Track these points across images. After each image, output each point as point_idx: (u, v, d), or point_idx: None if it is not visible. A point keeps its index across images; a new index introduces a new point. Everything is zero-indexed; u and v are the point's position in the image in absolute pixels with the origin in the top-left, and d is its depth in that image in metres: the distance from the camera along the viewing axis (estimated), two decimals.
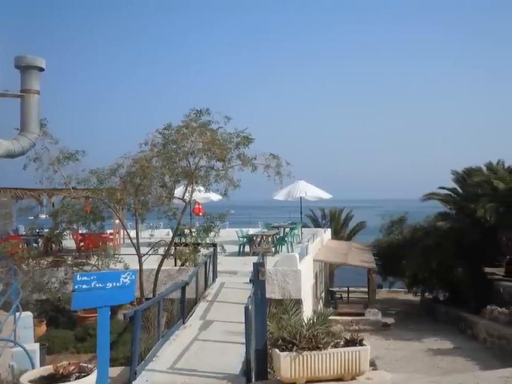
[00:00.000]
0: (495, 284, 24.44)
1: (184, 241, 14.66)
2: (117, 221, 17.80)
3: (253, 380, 7.33)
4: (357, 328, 19.57)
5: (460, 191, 30.38)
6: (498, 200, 24.54)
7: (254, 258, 14.57)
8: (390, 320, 22.16)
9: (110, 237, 18.91)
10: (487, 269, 26.87)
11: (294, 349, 6.66)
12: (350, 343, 7.05)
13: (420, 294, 30.85)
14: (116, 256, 13.12)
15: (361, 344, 7.01)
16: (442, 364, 13.97)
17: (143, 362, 7.87)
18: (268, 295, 8.13)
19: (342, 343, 7.04)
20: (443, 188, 31.32)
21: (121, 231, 20.02)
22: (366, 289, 25.80)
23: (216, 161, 12.83)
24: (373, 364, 12.22)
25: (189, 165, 12.80)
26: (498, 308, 18.14)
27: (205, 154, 12.54)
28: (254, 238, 19.59)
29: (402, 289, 34.21)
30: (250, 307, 7.54)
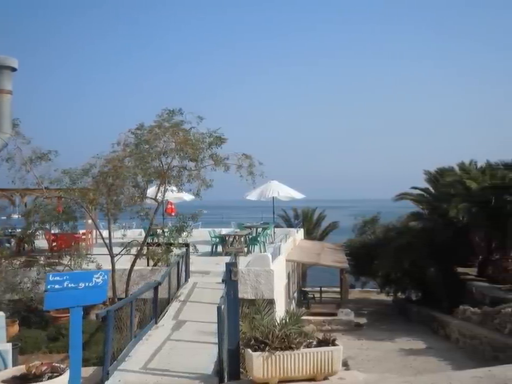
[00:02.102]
0: (468, 283, 24.91)
1: (156, 241, 14.73)
2: (90, 221, 17.78)
3: (226, 380, 7.43)
4: (330, 328, 19.82)
5: (433, 191, 30.87)
6: (470, 200, 24.88)
7: (227, 258, 14.71)
8: (362, 320, 22.47)
9: (83, 237, 18.88)
10: (460, 269, 27.38)
11: (267, 349, 6.74)
12: (323, 343, 7.16)
13: (392, 294, 31.23)
14: (88, 256, 13.14)
15: (333, 344, 7.12)
16: (415, 363, 14.14)
17: (115, 362, 7.95)
18: (240, 295, 8.24)
19: (314, 343, 7.13)
20: (415, 188, 31.83)
21: (94, 231, 19.99)
22: (338, 289, 26.09)
23: (188, 161, 12.93)
24: (345, 364, 12.41)
25: (161, 165, 12.89)
26: (471, 308, 18.38)
27: (177, 154, 12.65)
28: (227, 238, 19.73)
29: (375, 289, 34.61)
30: (222, 307, 7.67)
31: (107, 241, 13.08)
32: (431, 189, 31.26)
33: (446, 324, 19.44)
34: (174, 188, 13.90)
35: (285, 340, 6.87)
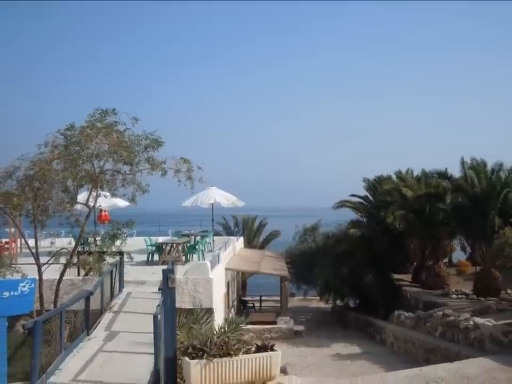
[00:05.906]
0: (403, 289, 26.11)
1: (88, 249, 14.28)
2: (13, 229, 17.11)
3: None
4: (269, 336, 19.79)
5: (371, 198, 31.79)
6: (406, 208, 26.00)
7: (164, 268, 14.48)
8: (301, 328, 22.63)
9: (6, 246, 18.21)
10: (396, 276, 28.45)
11: (205, 356, 6.73)
12: (261, 348, 7.22)
13: (331, 301, 31.75)
14: (12, 266, 12.56)
15: (272, 349, 7.20)
16: (351, 368, 14.42)
17: (44, 375, 7.62)
18: (178, 305, 8.15)
19: (253, 349, 7.20)
20: (355, 196, 32.58)
21: (19, 239, 19.23)
22: (278, 298, 26.24)
23: (123, 164, 12.50)
24: (284, 371, 12.43)
25: (93, 168, 12.46)
26: (405, 313, 19.21)
27: (110, 157, 12.21)
28: (164, 247, 19.39)
29: (316, 297, 35.08)
30: (159, 316, 7.52)
31: (33, 250, 12.56)
32: (370, 196, 32.14)
33: (381, 329, 20.12)
34: (107, 193, 13.50)
35: (224, 347, 6.88)
